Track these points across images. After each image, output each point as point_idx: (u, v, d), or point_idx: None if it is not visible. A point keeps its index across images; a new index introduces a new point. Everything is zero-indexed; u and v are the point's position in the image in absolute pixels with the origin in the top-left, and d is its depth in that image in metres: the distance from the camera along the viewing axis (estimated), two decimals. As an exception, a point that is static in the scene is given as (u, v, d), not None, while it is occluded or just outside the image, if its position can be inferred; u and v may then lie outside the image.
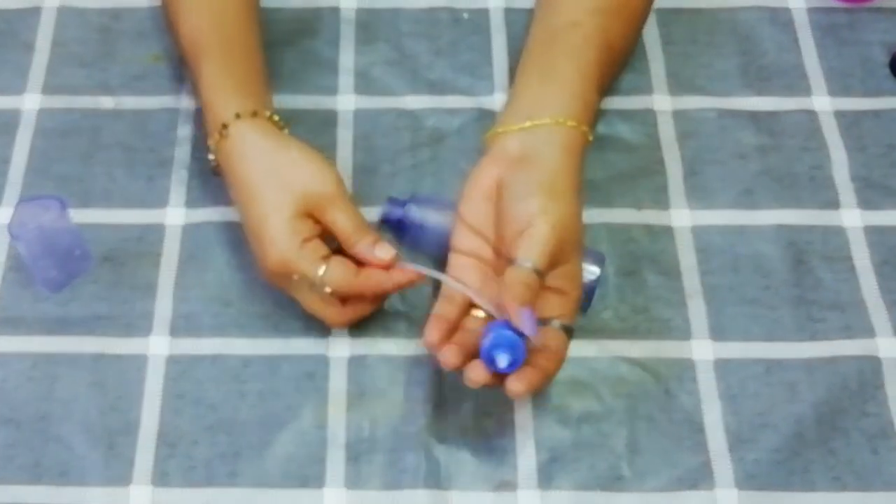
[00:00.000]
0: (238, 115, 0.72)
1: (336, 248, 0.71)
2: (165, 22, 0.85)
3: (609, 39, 0.77)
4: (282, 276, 0.70)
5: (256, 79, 0.77)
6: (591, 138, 0.73)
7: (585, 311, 0.76)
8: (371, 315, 0.76)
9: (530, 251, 0.65)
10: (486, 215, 0.71)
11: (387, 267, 0.70)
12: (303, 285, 0.70)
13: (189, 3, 0.79)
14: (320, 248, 0.70)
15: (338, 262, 0.70)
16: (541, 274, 0.65)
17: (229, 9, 0.79)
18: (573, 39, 0.76)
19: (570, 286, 0.69)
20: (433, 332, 0.66)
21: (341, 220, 0.70)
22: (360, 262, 0.70)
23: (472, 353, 0.65)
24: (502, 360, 0.63)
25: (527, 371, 0.64)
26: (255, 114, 0.73)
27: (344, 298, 0.71)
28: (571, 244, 0.68)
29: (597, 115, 0.76)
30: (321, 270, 0.69)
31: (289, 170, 0.71)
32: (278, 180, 0.70)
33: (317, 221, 0.70)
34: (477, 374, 0.64)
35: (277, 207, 0.70)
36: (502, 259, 0.69)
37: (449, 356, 0.64)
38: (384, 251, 0.70)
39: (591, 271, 0.74)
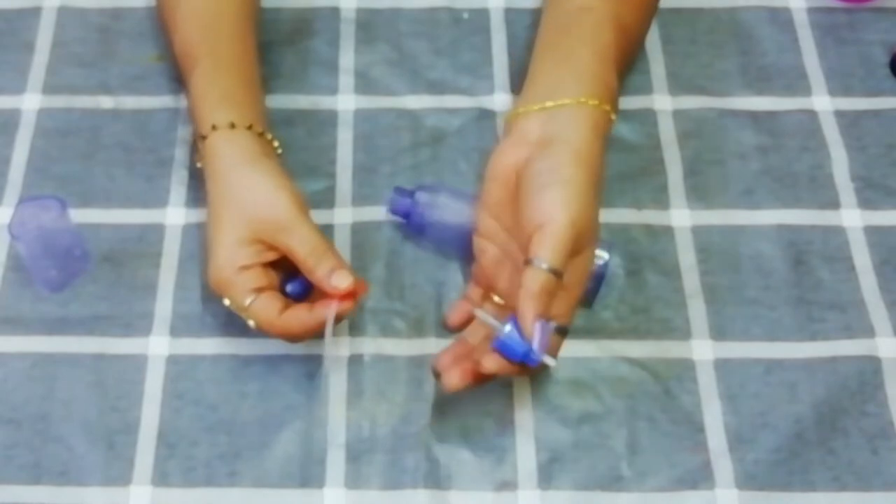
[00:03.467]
0: (214, 127, 0.72)
1: None
2: (161, 29, 0.85)
3: (622, 23, 0.77)
4: (218, 297, 0.70)
5: (243, 90, 0.76)
6: (614, 117, 0.73)
7: (593, 299, 0.75)
8: (370, 315, 0.76)
9: (548, 251, 0.64)
10: (501, 199, 0.70)
11: (345, 297, 0.67)
12: (236, 313, 0.70)
13: (182, 13, 0.79)
14: (257, 278, 0.69)
15: (265, 299, 0.68)
16: (558, 274, 0.64)
17: (222, 20, 0.79)
18: (586, 23, 0.76)
19: (575, 281, 0.67)
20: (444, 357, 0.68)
21: (296, 246, 0.68)
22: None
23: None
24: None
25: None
26: (232, 125, 0.72)
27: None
28: (587, 237, 0.67)
29: (617, 97, 0.75)
30: (248, 301, 0.68)
31: (244, 192, 0.70)
32: (232, 201, 0.70)
33: (270, 248, 0.69)
34: (490, 363, 0.64)
35: (225, 229, 0.69)
36: (516, 243, 0.69)
37: (453, 379, 0.65)
38: (340, 279, 0.67)
39: (598, 255, 0.73)
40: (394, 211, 0.78)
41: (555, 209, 0.65)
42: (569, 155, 0.68)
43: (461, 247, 0.75)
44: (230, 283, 0.68)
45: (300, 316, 0.68)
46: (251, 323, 0.69)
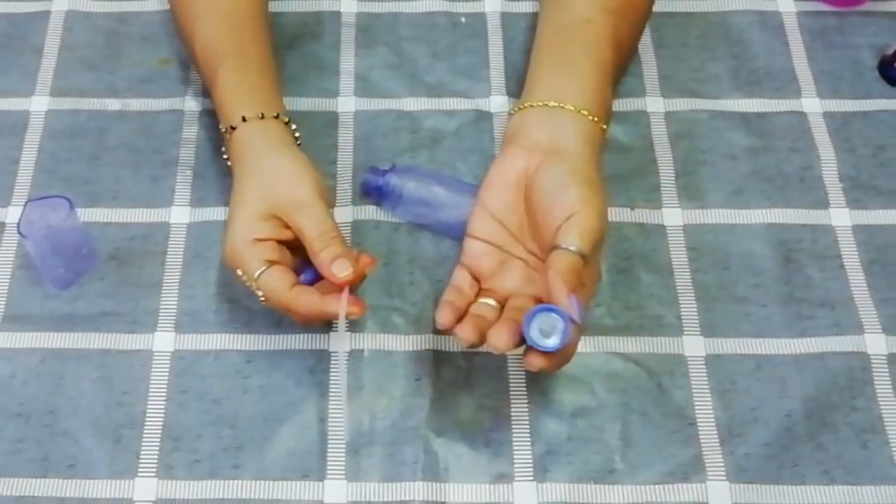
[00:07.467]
0: (245, 119, 0.74)
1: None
2: (176, 29, 0.86)
3: (619, 38, 0.78)
4: (231, 269, 0.70)
5: (268, 83, 0.78)
6: (607, 136, 0.74)
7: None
8: (370, 312, 0.77)
9: (576, 236, 0.64)
10: (509, 203, 0.70)
11: (341, 285, 0.67)
12: (246, 285, 0.70)
13: (204, 13, 0.80)
14: (271, 252, 0.69)
15: (275, 271, 0.68)
16: (585, 259, 0.64)
17: (243, 19, 0.80)
18: (588, 36, 0.77)
19: (589, 279, 0.67)
20: (446, 314, 0.65)
21: (306, 227, 0.69)
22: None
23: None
24: (553, 341, 0.62)
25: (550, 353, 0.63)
26: (262, 116, 0.74)
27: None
28: (600, 239, 0.67)
29: (610, 113, 0.76)
30: (258, 272, 0.68)
31: (269, 171, 0.72)
32: (256, 180, 0.71)
33: (286, 226, 0.70)
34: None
35: (246, 203, 0.71)
36: (521, 246, 0.69)
37: (467, 332, 0.64)
38: (340, 268, 0.67)
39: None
40: (365, 189, 0.80)
41: (583, 201, 0.66)
42: (582, 162, 0.70)
43: (435, 221, 0.79)
44: (243, 253, 0.69)
45: (309, 298, 0.68)
46: (260, 294, 0.69)
